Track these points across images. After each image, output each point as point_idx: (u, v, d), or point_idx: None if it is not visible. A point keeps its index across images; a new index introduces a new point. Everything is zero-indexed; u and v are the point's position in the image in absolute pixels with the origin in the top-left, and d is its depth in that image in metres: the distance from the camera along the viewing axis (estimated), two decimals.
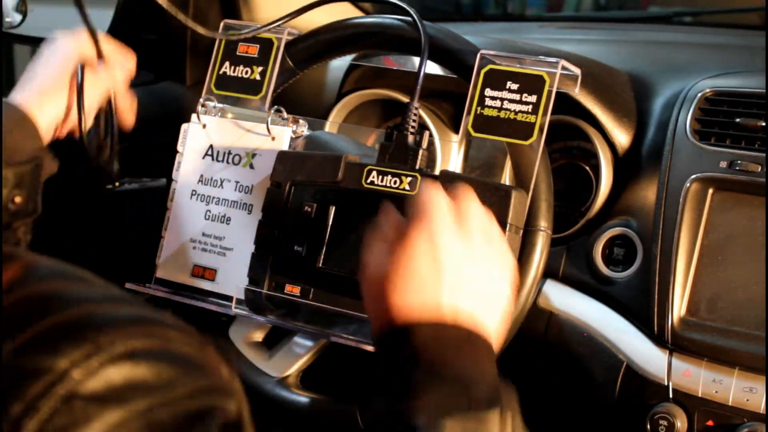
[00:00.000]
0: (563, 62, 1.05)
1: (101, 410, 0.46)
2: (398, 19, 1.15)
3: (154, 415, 0.47)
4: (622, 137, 1.24)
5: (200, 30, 1.15)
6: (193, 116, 1.21)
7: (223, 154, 1.20)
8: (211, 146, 1.20)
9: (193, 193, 1.20)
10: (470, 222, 0.86)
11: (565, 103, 1.22)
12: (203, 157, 1.21)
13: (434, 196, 0.86)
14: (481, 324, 0.82)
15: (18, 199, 0.63)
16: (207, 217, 1.19)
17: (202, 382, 0.51)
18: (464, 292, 0.81)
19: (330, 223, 1.08)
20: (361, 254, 0.87)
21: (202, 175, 1.20)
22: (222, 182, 1.19)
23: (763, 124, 1.13)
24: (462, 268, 0.82)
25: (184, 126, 1.22)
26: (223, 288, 1.17)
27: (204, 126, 1.21)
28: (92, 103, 1.12)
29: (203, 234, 1.19)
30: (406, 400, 0.73)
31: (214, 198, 1.19)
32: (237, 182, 1.18)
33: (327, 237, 1.08)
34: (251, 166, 1.18)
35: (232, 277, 1.16)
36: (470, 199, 0.88)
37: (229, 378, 0.54)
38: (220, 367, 0.54)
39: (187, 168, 1.21)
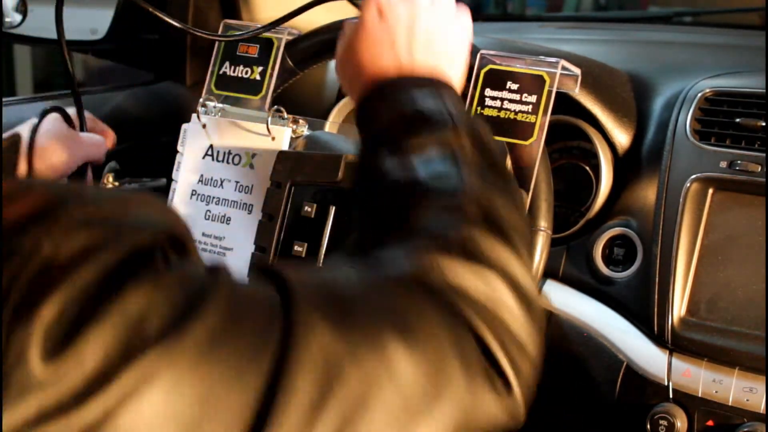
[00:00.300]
0: (563, 62, 1.05)
1: (72, 272, 0.51)
2: None
3: (103, 264, 0.52)
4: (622, 137, 1.24)
5: (200, 34, 1.15)
6: (193, 116, 1.21)
7: (223, 154, 1.20)
8: (211, 146, 1.20)
9: (193, 193, 1.20)
10: None
11: (565, 103, 1.22)
12: (203, 157, 1.21)
13: None
14: (441, 72, 0.90)
15: None
16: (207, 217, 1.19)
17: (151, 232, 0.56)
18: (419, 49, 0.90)
19: (330, 223, 1.08)
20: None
21: (202, 175, 1.20)
22: (222, 182, 1.19)
23: (763, 124, 1.13)
24: (413, 28, 0.91)
25: (184, 126, 1.22)
26: None
27: (204, 126, 1.21)
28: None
29: (203, 234, 1.19)
30: (406, 140, 0.79)
31: (214, 198, 1.19)
32: (237, 182, 1.18)
33: (327, 237, 1.08)
34: (251, 166, 1.18)
35: None
36: None
37: (185, 233, 0.59)
38: (180, 224, 0.59)
39: (187, 168, 1.21)
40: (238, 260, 1.15)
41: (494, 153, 0.82)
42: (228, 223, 1.18)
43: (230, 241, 1.17)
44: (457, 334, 0.64)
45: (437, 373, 0.61)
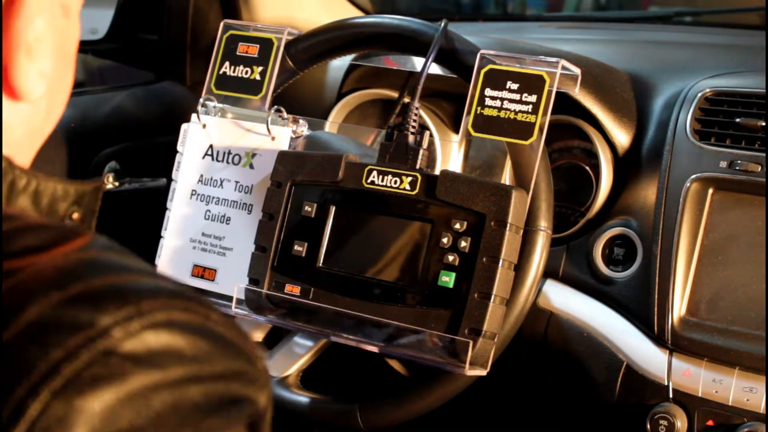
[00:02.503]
0: (563, 62, 1.05)
1: (137, 370, 0.48)
2: (399, 19, 1.15)
3: (186, 388, 0.49)
4: (622, 137, 1.24)
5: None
6: (193, 116, 1.21)
7: (223, 154, 1.20)
8: (211, 146, 1.20)
9: (193, 193, 1.20)
10: None
11: (565, 102, 1.22)
12: (203, 157, 1.21)
13: None
14: None
15: (75, 216, 0.64)
16: (207, 217, 1.19)
17: (238, 366, 0.53)
18: None
19: (330, 223, 1.08)
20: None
21: (202, 175, 1.20)
22: (222, 182, 1.19)
23: (763, 124, 1.13)
24: None
25: (184, 126, 1.22)
26: (222, 288, 1.17)
27: (204, 126, 1.21)
28: None
29: (203, 234, 1.19)
30: None
31: (214, 198, 1.19)
32: (237, 182, 1.18)
33: (327, 237, 1.08)
34: (251, 166, 1.18)
35: (232, 277, 1.16)
36: None
37: (264, 370, 0.55)
38: (257, 357, 0.55)
39: (187, 168, 1.21)
40: (238, 260, 1.16)
41: None
42: (228, 223, 1.18)
43: (230, 241, 1.17)
44: None
45: None
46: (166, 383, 0.49)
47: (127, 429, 0.47)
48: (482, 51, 1.08)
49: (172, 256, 1.20)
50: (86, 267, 0.51)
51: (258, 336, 1.21)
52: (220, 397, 0.51)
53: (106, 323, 0.48)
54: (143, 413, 0.48)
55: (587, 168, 1.31)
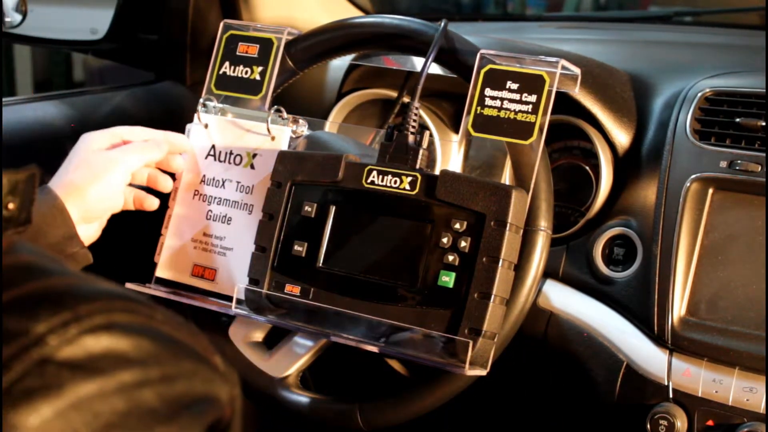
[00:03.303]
0: (563, 62, 1.05)
1: (75, 378, 0.45)
2: (399, 19, 1.15)
3: (138, 393, 0.47)
4: (622, 137, 1.24)
5: None
6: (196, 116, 1.21)
7: (225, 154, 1.20)
8: (213, 146, 1.21)
9: (196, 193, 1.21)
10: None
11: (565, 102, 1.22)
12: (205, 158, 1.21)
13: None
14: None
15: (11, 206, 0.60)
16: (208, 217, 1.19)
17: (190, 365, 0.50)
18: None
19: (330, 223, 1.08)
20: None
21: (204, 176, 1.20)
22: (224, 182, 1.19)
23: (763, 124, 1.13)
24: None
25: (188, 126, 1.22)
26: (223, 288, 1.17)
27: (206, 126, 1.21)
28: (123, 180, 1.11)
29: (204, 234, 1.19)
30: None
31: (215, 198, 1.19)
32: (238, 182, 1.18)
33: (327, 237, 1.08)
34: (252, 167, 1.18)
35: (232, 277, 1.16)
36: None
37: (221, 365, 0.53)
38: (211, 354, 0.53)
39: (189, 168, 1.21)
40: (238, 260, 1.16)
41: None
42: (229, 223, 1.18)
43: (231, 241, 1.17)
44: None
45: None
46: (114, 389, 0.46)
47: None
48: (482, 51, 1.08)
49: (173, 256, 1.20)
50: (16, 272, 0.48)
51: (258, 336, 1.21)
52: (178, 399, 0.48)
53: (40, 331, 0.45)
54: (92, 424, 0.45)
55: (587, 168, 1.31)
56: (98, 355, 0.46)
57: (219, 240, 1.18)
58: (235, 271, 1.16)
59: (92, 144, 1.11)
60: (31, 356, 0.45)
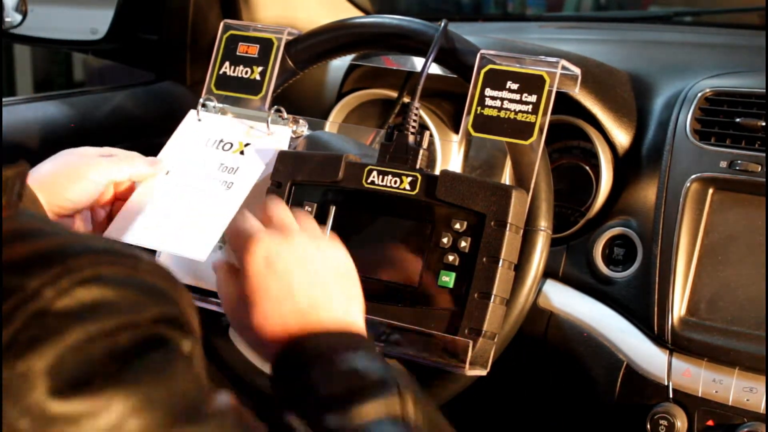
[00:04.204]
0: (563, 62, 1.05)
1: (71, 324, 0.50)
2: (399, 19, 1.15)
3: (115, 337, 0.51)
4: (622, 137, 1.25)
5: None
6: (192, 111, 1.20)
7: (214, 141, 1.19)
8: (205, 137, 1.19)
9: (169, 172, 1.18)
10: (288, 229, 0.87)
11: (565, 103, 1.22)
12: (194, 144, 1.19)
13: (245, 221, 0.87)
14: (346, 318, 0.85)
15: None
16: (182, 191, 1.17)
17: (166, 310, 0.55)
18: (318, 295, 0.84)
19: (330, 223, 1.08)
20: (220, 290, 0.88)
21: (186, 155, 1.19)
22: (205, 161, 1.18)
23: (763, 124, 1.13)
24: (306, 275, 0.84)
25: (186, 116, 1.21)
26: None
27: (200, 120, 1.19)
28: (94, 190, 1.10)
29: (174, 208, 1.16)
30: (355, 409, 0.74)
31: (193, 173, 1.17)
32: (221, 163, 1.17)
33: (327, 237, 1.08)
34: (241, 153, 1.17)
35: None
36: (276, 207, 0.90)
37: (192, 317, 0.57)
38: (187, 304, 0.57)
39: (173, 147, 1.19)
40: (207, 235, 1.11)
41: (433, 412, 0.78)
42: (204, 197, 1.13)
43: (202, 214, 1.12)
44: None
45: None
46: (102, 333, 0.51)
47: (73, 379, 0.49)
48: (482, 51, 1.08)
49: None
50: (10, 235, 0.53)
51: None
52: (146, 340, 0.53)
53: (36, 285, 0.50)
54: (85, 362, 0.49)
55: (587, 168, 1.31)
56: (89, 303, 0.51)
57: (190, 211, 1.12)
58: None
59: (76, 150, 1.10)
60: (30, 308, 0.49)
